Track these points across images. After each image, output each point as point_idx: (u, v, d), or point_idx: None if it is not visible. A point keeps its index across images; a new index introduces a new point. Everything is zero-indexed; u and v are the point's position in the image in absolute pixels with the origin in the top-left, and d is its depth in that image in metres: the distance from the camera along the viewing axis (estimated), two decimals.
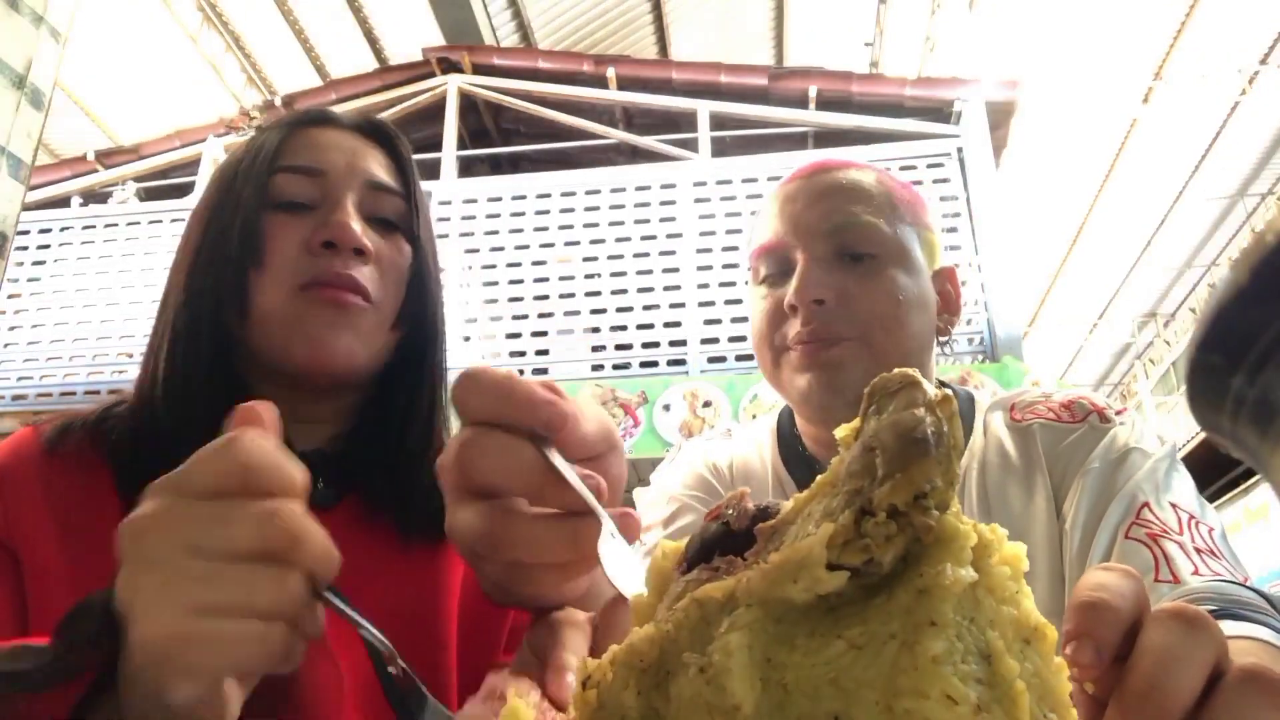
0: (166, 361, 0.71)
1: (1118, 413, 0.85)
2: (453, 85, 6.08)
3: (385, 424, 0.75)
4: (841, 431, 0.28)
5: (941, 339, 0.90)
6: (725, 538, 0.29)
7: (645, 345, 4.98)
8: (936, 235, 0.90)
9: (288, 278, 0.70)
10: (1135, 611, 0.32)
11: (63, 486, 0.67)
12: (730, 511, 0.30)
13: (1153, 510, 0.74)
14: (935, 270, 0.89)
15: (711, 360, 4.87)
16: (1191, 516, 0.74)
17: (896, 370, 0.27)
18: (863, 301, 0.81)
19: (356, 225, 0.71)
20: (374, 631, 0.40)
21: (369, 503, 0.73)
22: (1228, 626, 0.57)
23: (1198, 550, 0.70)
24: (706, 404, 4.64)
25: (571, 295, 5.17)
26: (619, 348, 5.00)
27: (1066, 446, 0.83)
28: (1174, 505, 0.75)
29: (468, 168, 6.20)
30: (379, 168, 0.76)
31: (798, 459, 0.92)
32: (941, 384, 0.91)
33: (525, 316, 5.16)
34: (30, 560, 0.64)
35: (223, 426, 0.41)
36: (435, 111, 6.10)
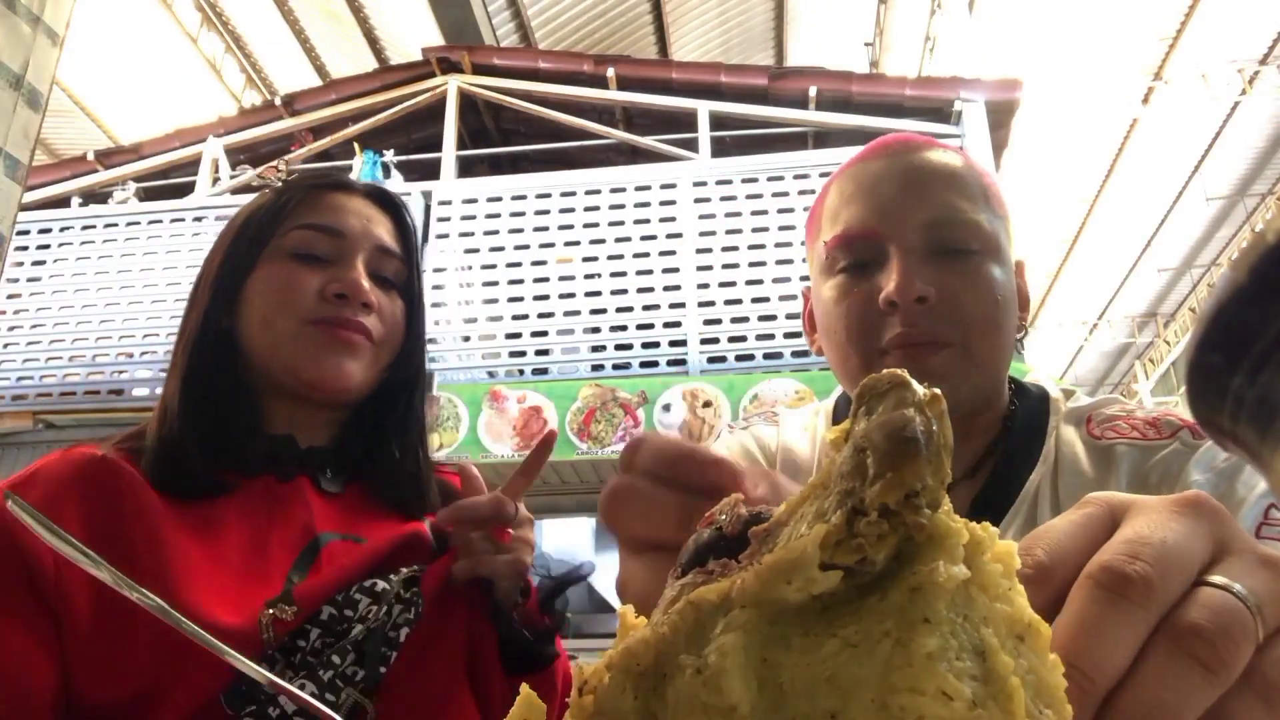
0: (185, 381, 0.86)
1: None
2: (453, 85, 6.08)
3: (378, 433, 0.94)
4: (832, 433, 0.28)
5: (1019, 337, 0.82)
6: (719, 542, 0.29)
7: (645, 345, 4.98)
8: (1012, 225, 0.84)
9: (298, 314, 0.86)
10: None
11: (101, 500, 0.77)
12: (723, 517, 0.30)
13: None
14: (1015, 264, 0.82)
15: (711, 360, 4.87)
16: None
17: (885, 371, 0.27)
18: (966, 301, 0.75)
19: (366, 283, 0.88)
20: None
21: (369, 492, 0.91)
22: None
23: None
24: (706, 404, 4.64)
25: (571, 295, 5.17)
26: (619, 348, 5.00)
27: (1156, 464, 0.75)
28: None
29: (468, 168, 6.20)
30: (386, 234, 0.93)
31: None
32: (1017, 384, 0.86)
33: (525, 316, 5.16)
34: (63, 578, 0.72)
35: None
36: (435, 111, 6.10)
